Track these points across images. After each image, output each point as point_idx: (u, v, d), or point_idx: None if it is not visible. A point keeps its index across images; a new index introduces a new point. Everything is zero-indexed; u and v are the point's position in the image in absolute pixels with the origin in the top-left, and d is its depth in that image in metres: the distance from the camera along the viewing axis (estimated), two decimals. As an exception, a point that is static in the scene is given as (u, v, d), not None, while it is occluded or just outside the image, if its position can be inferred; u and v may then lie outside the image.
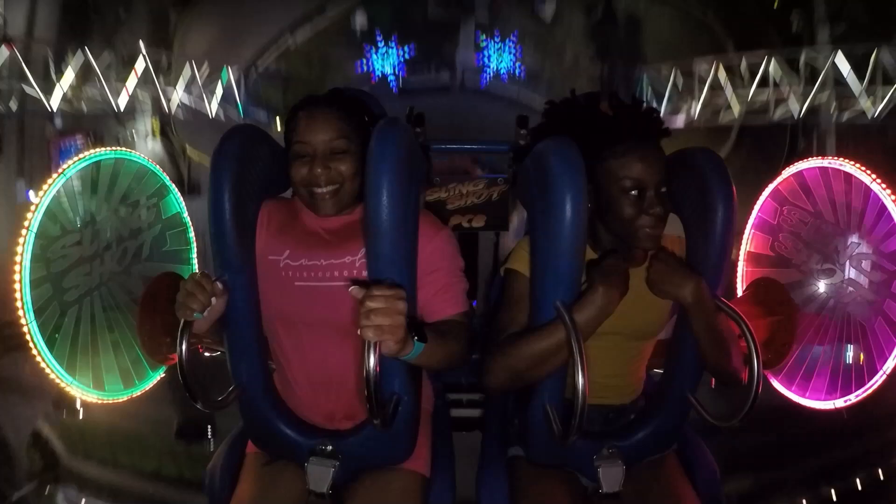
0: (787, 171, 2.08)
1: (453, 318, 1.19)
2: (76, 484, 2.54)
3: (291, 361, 1.28)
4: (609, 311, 1.10)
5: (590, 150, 1.15)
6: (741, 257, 2.23)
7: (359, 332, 0.92)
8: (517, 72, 8.66)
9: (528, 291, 1.19)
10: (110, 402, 1.81)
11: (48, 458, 2.56)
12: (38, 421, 2.61)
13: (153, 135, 7.75)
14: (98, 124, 6.94)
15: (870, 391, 1.84)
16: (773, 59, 6.96)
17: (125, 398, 1.86)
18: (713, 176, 1.18)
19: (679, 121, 7.48)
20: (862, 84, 6.47)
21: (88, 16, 6.86)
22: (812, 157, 2.02)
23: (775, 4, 7.66)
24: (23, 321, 1.61)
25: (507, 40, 8.61)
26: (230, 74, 8.00)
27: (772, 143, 7.34)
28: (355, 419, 1.27)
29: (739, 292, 2.18)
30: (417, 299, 1.17)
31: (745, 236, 2.24)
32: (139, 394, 1.86)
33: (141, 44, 7.02)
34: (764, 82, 7.03)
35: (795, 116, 6.98)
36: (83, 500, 2.47)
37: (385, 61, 8.71)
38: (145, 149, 7.27)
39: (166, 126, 7.81)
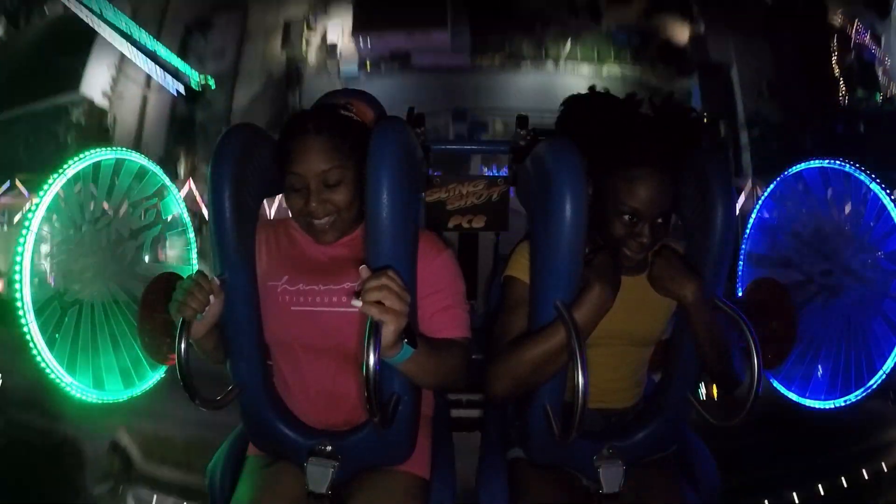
0: (787, 172, 2.08)
1: (452, 339, 1.17)
2: (149, 485, 2.69)
3: (292, 381, 1.28)
4: (607, 307, 1.10)
5: (602, 157, 1.14)
6: (741, 257, 2.24)
7: (361, 309, 0.92)
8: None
9: (528, 297, 1.19)
10: (110, 401, 1.81)
11: (124, 462, 2.66)
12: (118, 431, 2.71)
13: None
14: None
15: (869, 391, 1.84)
16: None
17: (125, 398, 1.86)
18: (713, 176, 1.17)
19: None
20: None
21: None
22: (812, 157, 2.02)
23: None
24: (23, 321, 1.61)
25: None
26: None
27: None
28: (355, 423, 1.26)
29: (739, 292, 2.18)
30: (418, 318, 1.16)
31: (745, 236, 2.24)
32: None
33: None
34: None
35: None
36: (154, 498, 2.56)
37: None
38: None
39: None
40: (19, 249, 1.61)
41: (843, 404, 1.92)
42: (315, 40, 10.23)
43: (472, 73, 9.55)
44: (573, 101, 1.36)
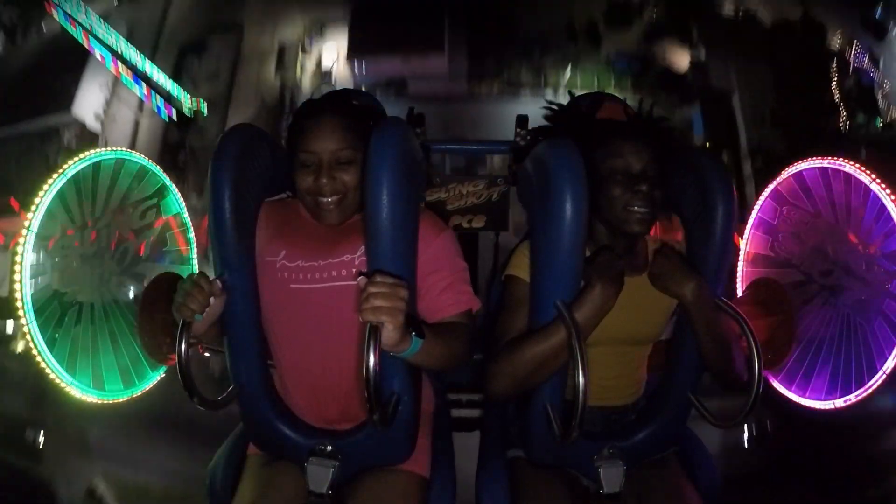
0: (787, 172, 2.08)
1: (454, 319, 1.18)
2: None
3: (288, 364, 1.28)
4: (608, 307, 1.10)
5: (583, 144, 1.16)
6: (741, 257, 2.24)
7: (360, 318, 0.93)
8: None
9: (528, 296, 1.19)
10: (110, 402, 1.81)
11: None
12: (95, 478, 2.64)
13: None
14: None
15: (870, 391, 1.83)
16: None
17: (125, 398, 1.86)
18: (713, 176, 1.18)
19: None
20: None
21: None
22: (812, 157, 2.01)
23: None
24: (23, 321, 1.61)
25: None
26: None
27: None
28: (354, 420, 1.27)
29: (739, 292, 2.18)
30: (419, 300, 1.17)
31: (745, 236, 2.24)
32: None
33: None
34: None
35: None
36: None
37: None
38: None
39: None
40: (19, 249, 1.61)
41: (842, 404, 1.92)
42: (310, 65, 9.93)
43: (469, 102, 9.19)
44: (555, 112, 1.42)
